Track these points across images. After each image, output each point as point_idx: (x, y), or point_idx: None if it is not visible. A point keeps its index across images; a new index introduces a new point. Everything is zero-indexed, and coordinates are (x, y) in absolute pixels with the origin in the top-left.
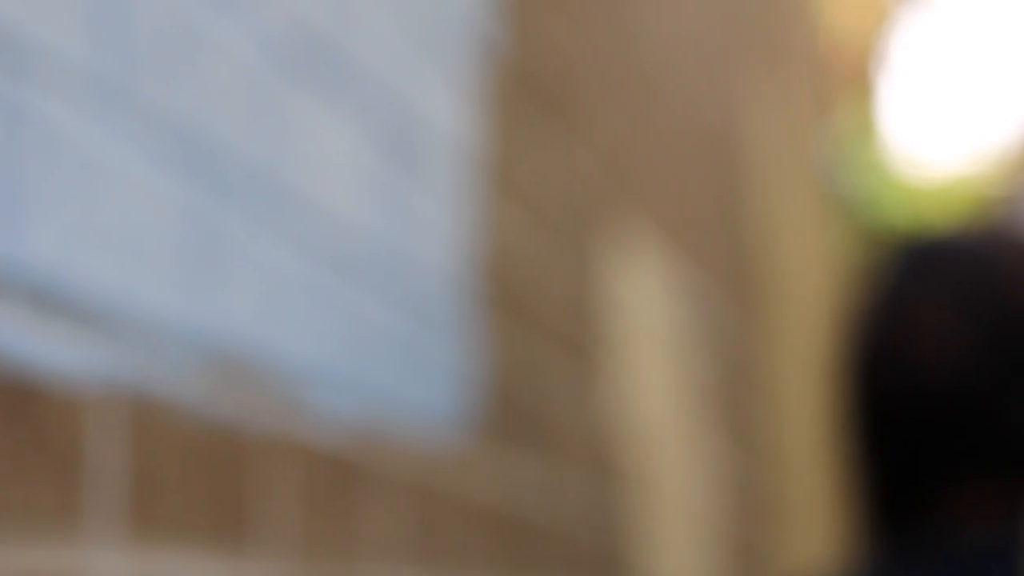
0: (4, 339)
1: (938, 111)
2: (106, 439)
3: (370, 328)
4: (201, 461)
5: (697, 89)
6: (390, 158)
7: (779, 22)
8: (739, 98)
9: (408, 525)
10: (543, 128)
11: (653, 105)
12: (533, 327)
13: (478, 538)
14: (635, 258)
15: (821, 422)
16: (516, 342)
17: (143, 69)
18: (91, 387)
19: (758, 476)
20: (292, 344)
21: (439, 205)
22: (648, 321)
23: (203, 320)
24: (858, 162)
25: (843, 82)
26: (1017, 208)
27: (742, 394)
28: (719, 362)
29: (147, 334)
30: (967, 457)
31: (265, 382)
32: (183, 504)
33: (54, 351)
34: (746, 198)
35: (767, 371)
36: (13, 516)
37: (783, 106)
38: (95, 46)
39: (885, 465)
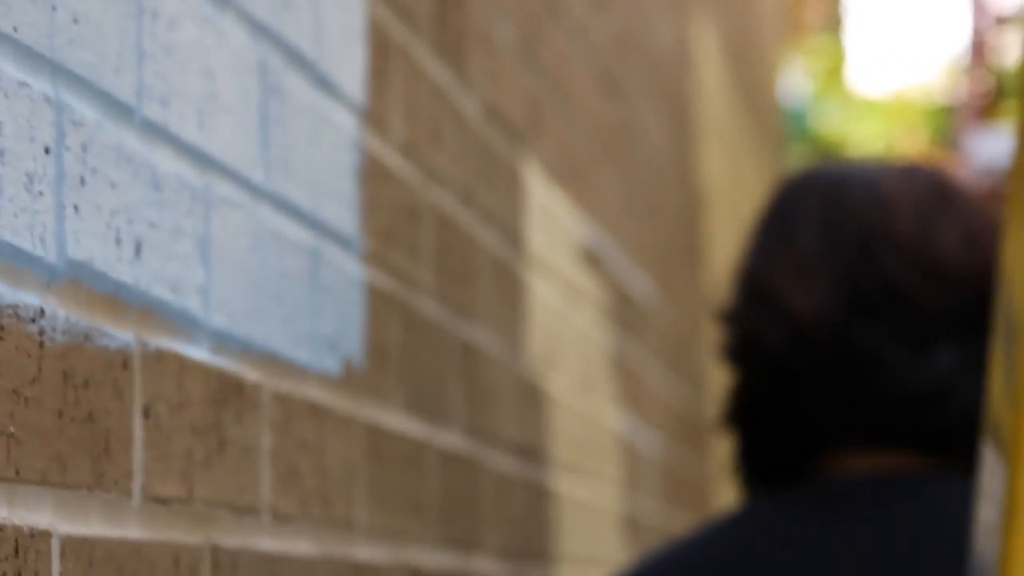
0: None
1: (896, 27)
2: None
3: (238, 267)
4: (58, 380)
5: (640, 15)
6: (262, 93)
7: None
8: (689, 24)
9: (288, 441)
10: (427, 63)
11: (561, 31)
12: (414, 269)
13: (361, 456)
14: (535, 201)
15: None
16: (394, 285)
17: None
18: None
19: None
20: (147, 275)
21: (317, 146)
22: (547, 255)
23: (53, 243)
24: (821, 80)
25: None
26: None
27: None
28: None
29: None
30: (838, 416)
31: (122, 308)
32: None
33: None
34: (690, 125)
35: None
36: None
37: (741, 29)
38: None
39: (759, 414)
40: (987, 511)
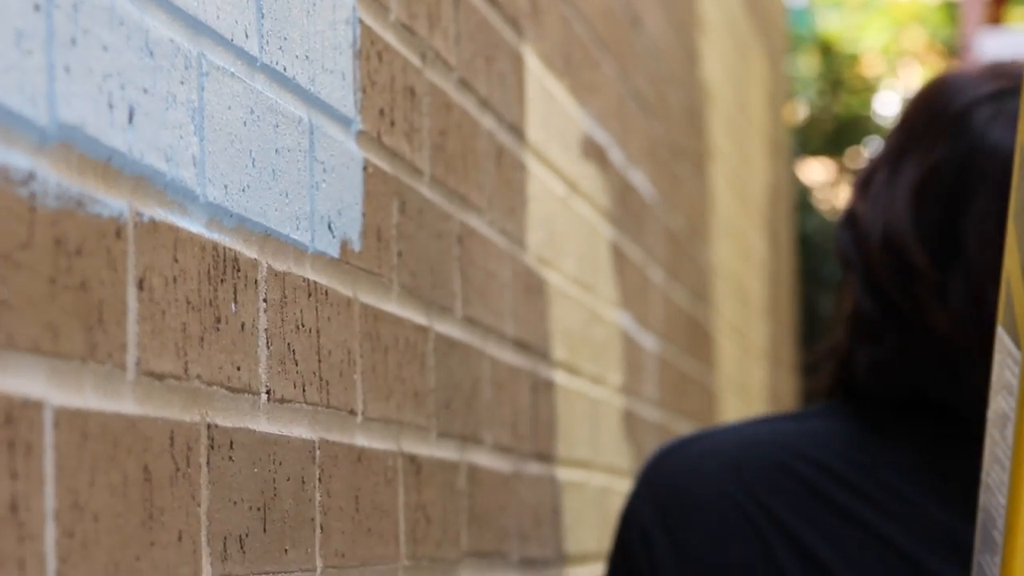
0: None
1: None
2: None
3: (233, 140)
4: (49, 246)
5: None
6: None
7: None
8: None
9: (284, 322)
10: None
11: None
12: (411, 151)
13: (359, 341)
14: (535, 89)
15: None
16: (391, 167)
17: None
18: None
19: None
20: (140, 142)
21: (313, 19)
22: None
23: (43, 104)
24: None
25: None
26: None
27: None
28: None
29: None
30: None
31: (113, 174)
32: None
33: None
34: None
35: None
36: None
37: None
38: None
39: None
40: (1001, 401)
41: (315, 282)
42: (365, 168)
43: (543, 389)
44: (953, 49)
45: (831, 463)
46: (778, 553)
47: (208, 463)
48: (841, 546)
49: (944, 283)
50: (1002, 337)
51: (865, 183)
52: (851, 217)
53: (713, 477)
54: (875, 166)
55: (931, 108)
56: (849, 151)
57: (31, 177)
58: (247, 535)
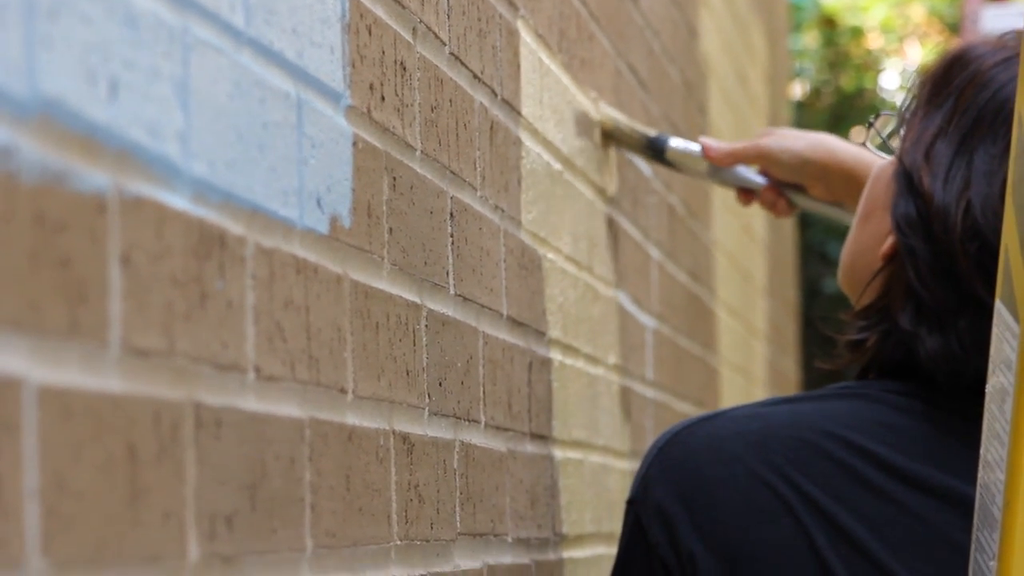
0: None
1: None
2: None
3: (218, 114)
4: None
5: None
6: None
7: None
8: None
9: (272, 299)
10: None
11: None
12: (402, 126)
13: (349, 318)
14: (528, 64)
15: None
16: (381, 142)
17: None
18: None
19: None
20: (123, 116)
21: (306, 9)
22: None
23: (24, 77)
24: None
25: None
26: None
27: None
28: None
29: None
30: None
31: (97, 149)
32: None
33: None
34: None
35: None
36: None
37: None
38: None
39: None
40: (1000, 376)
41: (304, 259)
42: (355, 144)
43: (539, 368)
44: (953, 25)
45: (859, 441)
46: (812, 531)
47: (195, 441)
48: (876, 524)
49: None
50: (1001, 311)
51: (927, 153)
52: (911, 184)
53: (737, 455)
54: (934, 136)
55: (997, 99)
56: (852, 129)
57: (11, 151)
58: (235, 514)
